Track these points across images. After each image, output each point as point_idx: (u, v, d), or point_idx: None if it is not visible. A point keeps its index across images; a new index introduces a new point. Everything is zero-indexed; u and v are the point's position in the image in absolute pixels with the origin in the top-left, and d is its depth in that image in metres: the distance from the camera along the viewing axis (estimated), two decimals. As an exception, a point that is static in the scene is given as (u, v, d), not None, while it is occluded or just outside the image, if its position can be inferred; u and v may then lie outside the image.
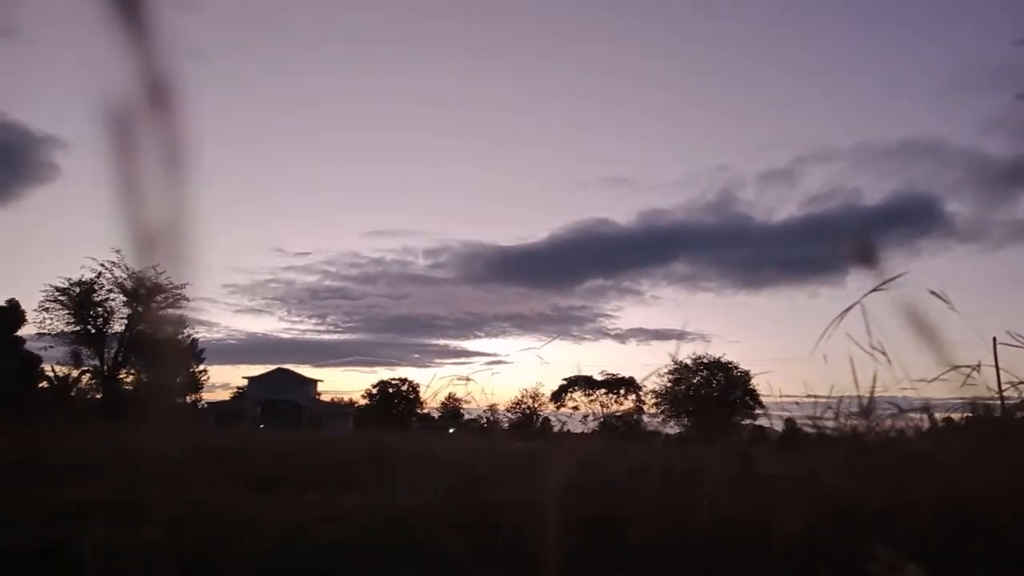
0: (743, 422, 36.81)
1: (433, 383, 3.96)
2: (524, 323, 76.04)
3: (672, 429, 39.29)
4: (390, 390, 61.92)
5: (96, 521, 3.09)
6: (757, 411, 38.67)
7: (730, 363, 40.49)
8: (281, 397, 51.39)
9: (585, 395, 42.36)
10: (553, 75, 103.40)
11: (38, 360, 39.94)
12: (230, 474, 5.24)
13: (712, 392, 38.96)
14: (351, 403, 61.23)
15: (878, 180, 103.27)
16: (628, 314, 79.37)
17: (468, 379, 4.21)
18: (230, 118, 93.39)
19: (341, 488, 4.59)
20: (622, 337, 68.52)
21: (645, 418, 41.59)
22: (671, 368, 40.18)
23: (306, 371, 57.87)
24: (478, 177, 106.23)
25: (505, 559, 2.19)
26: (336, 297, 75.18)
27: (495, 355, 72.16)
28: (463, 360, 74.54)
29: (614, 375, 42.22)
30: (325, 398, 59.29)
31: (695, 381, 39.92)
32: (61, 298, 38.03)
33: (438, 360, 74.50)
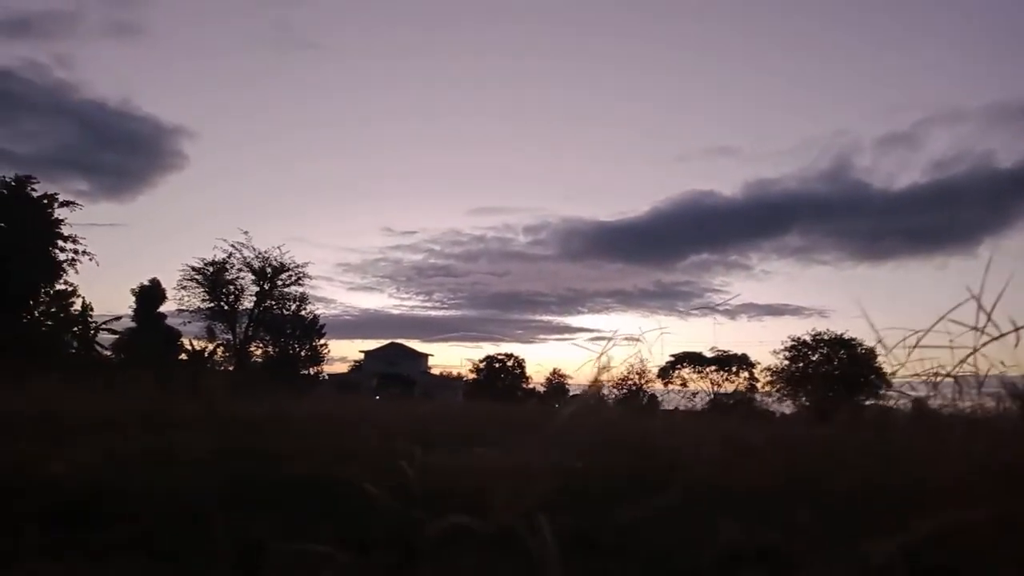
0: (867, 402, 34.90)
1: (606, 347, 3.94)
2: (627, 299, 75.22)
3: (788, 408, 37.78)
4: (496, 365, 63.14)
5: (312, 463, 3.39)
6: (883, 391, 36.58)
7: (853, 339, 38.43)
8: (394, 370, 53.51)
9: (695, 372, 41.44)
10: (652, 43, 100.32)
11: (178, 335, 43.47)
12: (382, 433, 5.51)
13: (833, 370, 37.09)
14: (459, 377, 62.89)
15: (1012, 141, 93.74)
16: (737, 289, 76.82)
17: (639, 339, 4.19)
18: (342, 103, 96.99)
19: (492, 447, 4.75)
20: (731, 313, 66.30)
21: (759, 397, 40.31)
22: (788, 345, 38.69)
23: (416, 345, 59.95)
24: (577, 152, 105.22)
25: (697, 509, 2.20)
26: (441, 275, 77.09)
27: (598, 331, 71.67)
28: (566, 336, 74.62)
29: (725, 352, 41.03)
30: (434, 371, 61.21)
31: (814, 358, 38.14)
32: (196, 277, 41.08)
33: (541, 336, 74.99)
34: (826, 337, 38.72)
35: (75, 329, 37.80)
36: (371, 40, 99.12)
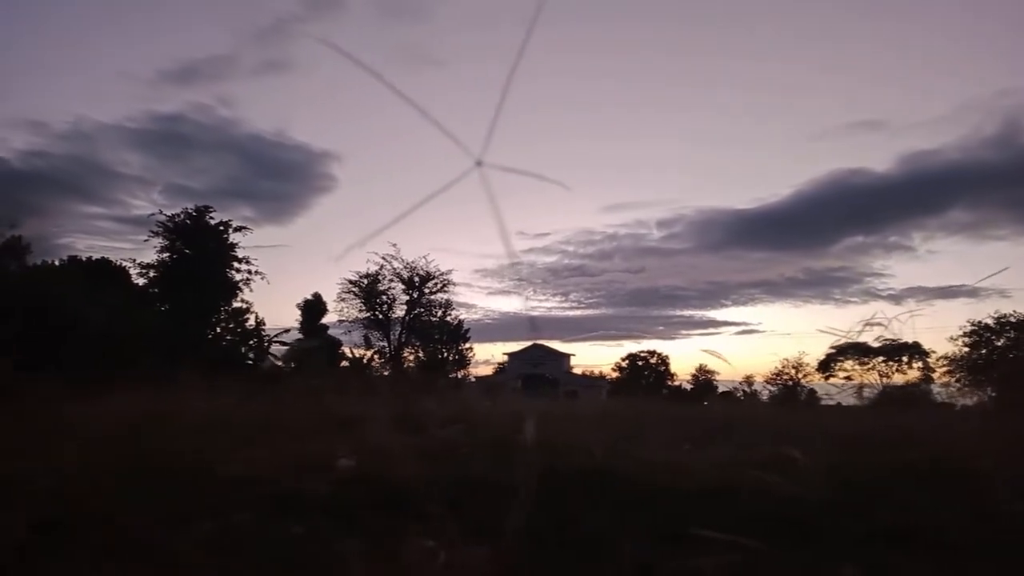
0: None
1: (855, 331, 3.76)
2: (774, 289, 71.85)
3: (970, 400, 34.29)
4: (639, 362, 62.36)
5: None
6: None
7: (1047, 320, 34.30)
8: (538, 371, 54.22)
9: (859, 364, 38.56)
10: (776, 14, 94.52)
11: (339, 343, 46.51)
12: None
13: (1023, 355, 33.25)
14: (602, 376, 62.65)
15: None
16: (900, 272, 70.74)
17: (883, 324, 3.94)
18: (466, 113, 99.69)
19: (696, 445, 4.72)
20: (896, 298, 61.32)
21: (935, 388, 36.88)
22: (967, 330, 35.27)
23: (557, 346, 60.35)
24: (707, 139, 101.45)
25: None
26: (576, 275, 76.89)
27: (745, 323, 69.07)
28: (711, 330, 72.26)
29: (893, 340, 37.72)
30: (576, 371, 61.31)
31: (1000, 344, 34.40)
32: (353, 289, 43.83)
33: (684, 331, 73.06)
34: (1012, 319, 34.87)
35: (251, 342, 41.46)
36: (488, 47, 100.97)
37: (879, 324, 3.97)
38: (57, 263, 37.04)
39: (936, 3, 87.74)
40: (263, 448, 4.55)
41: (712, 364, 59.21)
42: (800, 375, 44.92)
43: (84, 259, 38.36)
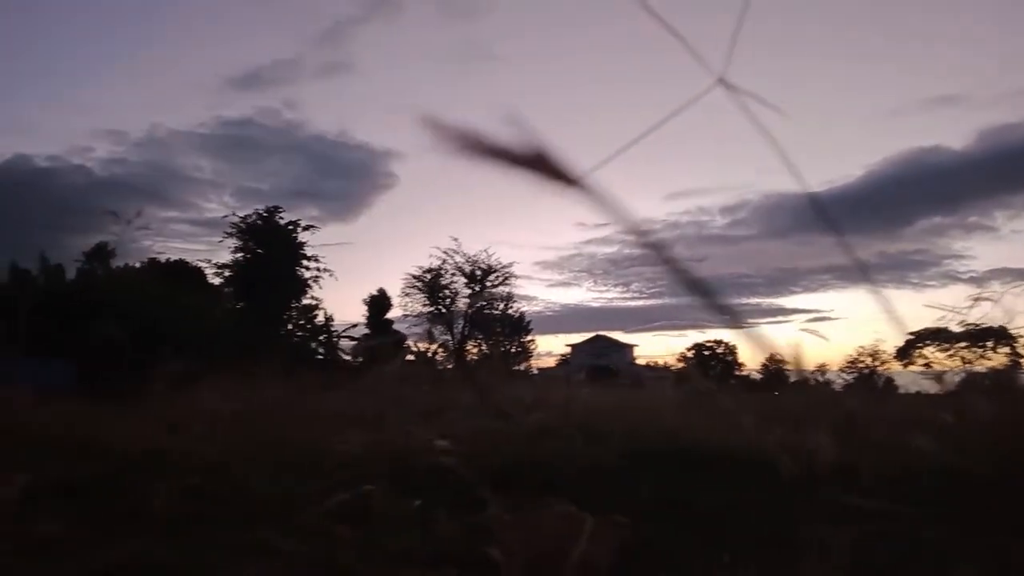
0: None
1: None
2: (846, 274, 69.14)
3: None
4: (706, 352, 61.25)
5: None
6: None
7: None
8: (601, 362, 53.93)
9: (941, 350, 36.81)
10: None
11: (404, 338, 47.30)
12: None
13: (1124, 339, 31.14)
14: (666, 366, 61.81)
15: None
16: (983, 253, 67.23)
17: (994, 300, 3.81)
18: (526, 109, 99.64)
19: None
20: (979, 280, 58.30)
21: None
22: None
23: (619, 336, 59.89)
24: (769, 121, 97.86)
25: None
26: (636, 265, 75.96)
27: (817, 311, 67.02)
28: (780, 319, 70.34)
29: (977, 325, 35.89)
30: (640, 362, 60.71)
31: (1097, 327, 32.37)
32: (417, 284, 44.54)
33: (751, 320, 71.14)
34: (1111, 301, 32.72)
35: (321, 338, 42.64)
36: (543, 45, 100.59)
37: (988, 299, 3.80)
38: (139, 265, 38.99)
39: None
40: (364, 433, 4.70)
41: (787, 350, 57.41)
42: (877, 363, 43.34)
43: (163, 261, 40.21)
